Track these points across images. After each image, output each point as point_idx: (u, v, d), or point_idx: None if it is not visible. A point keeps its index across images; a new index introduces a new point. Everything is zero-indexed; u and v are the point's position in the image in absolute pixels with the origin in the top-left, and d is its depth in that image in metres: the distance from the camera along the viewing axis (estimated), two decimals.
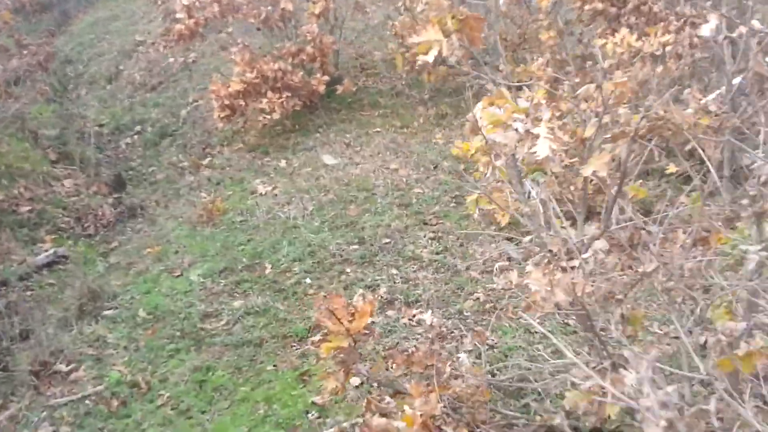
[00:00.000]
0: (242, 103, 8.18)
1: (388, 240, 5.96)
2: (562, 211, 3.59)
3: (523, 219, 3.61)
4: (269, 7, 8.72)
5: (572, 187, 3.93)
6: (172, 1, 11.24)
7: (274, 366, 4.80)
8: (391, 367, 3.93)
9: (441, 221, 6.22)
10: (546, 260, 3.20)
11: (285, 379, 4.65)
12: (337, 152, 7.77)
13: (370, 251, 5.83)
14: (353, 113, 8.69)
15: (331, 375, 3.79)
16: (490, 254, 5.54)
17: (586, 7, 7.32)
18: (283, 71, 8.18)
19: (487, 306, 5.00)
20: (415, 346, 3.86)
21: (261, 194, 7.13)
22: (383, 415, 3.48)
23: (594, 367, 3.11)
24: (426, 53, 3.34)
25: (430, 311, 4.34)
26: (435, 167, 7.25)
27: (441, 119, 8.40)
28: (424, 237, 5.98)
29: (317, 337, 3.78)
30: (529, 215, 3.36)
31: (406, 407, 3.43)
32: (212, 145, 8.91)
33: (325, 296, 3.72)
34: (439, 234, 6.00)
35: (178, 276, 6.04)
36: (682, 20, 7.07)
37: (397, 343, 4.47)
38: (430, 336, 4.07)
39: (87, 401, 4.73)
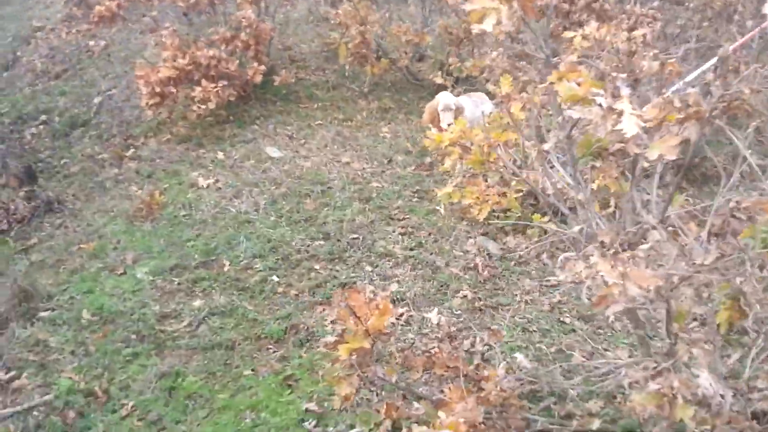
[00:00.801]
0: (173, 90, 7.64)
1: (355, 236, 5.65)
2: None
3: (563, 206, 3.40)
4: None
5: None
6: None
7: (252, 370, 4.41)
8: (405, 370, 3.65)
9: (407, 216, 5.96)
10: (610, 251, 3.00)
11: (268, 385, 4.27)
12: (281, 145, 7.37)
13: (337, 247, 5.50)
14: (290, 105, 8.29)
15: (343, 379, 3.47)
16: (478, 249, 5.34)
17: (538, 2, 7.23)
18: (218, 59, 7.70)
19: (477, 304, 4.78)
20: (437, 347, 3.56)
21: (203, 187, 6.64)
22: (422, 422, 3.19)
23: (655, 368, 2.93)
24: (480, 21, 3.08)
25: (435, 309, 4.06)
26: (389, 161, 6.99)
27: (384, 113, 8.15)
28: (393, 232, 5.70)
29: (329, 338, 3.43)
30: (583, 203, 3.14)
31: (441, 414, 3.15)
32: (135, 136, 8.27)
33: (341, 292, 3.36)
34: (409, 229, 5.74)
35: (121, 274, 5.50)
36: (633, 19, 7.10)
37: (406, 344, 4.17)
38: (438, 336, 3.81)
39: (35, 412, 4.20)
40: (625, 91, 2.67)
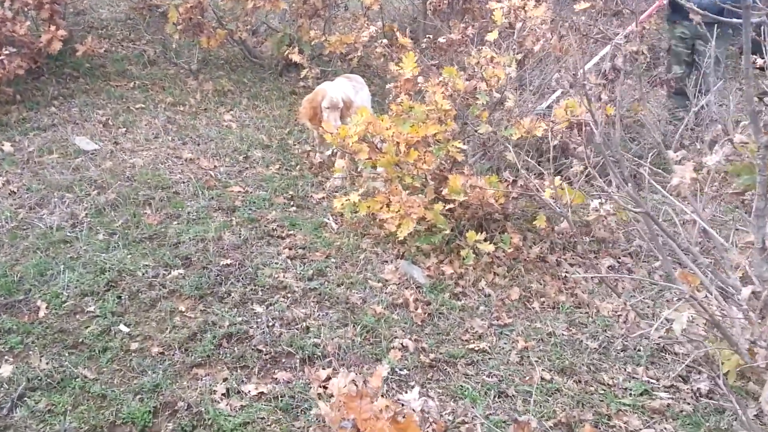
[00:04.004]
0: None
1: (227, 261, 4.17)
2: None
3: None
4: None
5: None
6: None
7: None
8: None
9: (290, 232, 4.57)
10: None
11: None
12: (94, 134, 5.61)
13: (206, 278, 4.00)
14: (98, 83, 6.49)
15: None
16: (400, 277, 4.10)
17: None
18: (1, 19, 5.80)
19: (423, 358, 3.53)
20: None
21: None
22: None
23: None
24: None
25: (415, 386, 2.76)
26: (245, 158, 5.51)
27: (222, 97, 6.61)
28: (279, 255, 4.28)
29: None
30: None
31: None
32: None
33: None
34: (298, 251, 4.35)
35: None
36: None
37: None
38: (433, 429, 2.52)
39: None
40: None
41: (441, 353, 3.58)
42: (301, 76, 6.35)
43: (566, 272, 4.36)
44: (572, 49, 4.91)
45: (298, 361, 3.45)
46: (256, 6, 6.24)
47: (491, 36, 4.74)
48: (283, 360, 3.47)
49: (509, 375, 3.46)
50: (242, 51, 7.22)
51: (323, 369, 3.36)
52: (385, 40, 5.64)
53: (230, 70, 7.13)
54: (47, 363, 3.37)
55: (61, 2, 6.36)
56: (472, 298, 4.07)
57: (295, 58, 6.12)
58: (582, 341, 3.80)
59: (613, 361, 3.67)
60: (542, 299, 4.15)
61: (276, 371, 3.40)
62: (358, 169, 4.66)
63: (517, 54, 4.70)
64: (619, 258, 4.70)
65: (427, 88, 4.39)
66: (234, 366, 3.43)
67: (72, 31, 6.88)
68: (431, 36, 5.73)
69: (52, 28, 6.08)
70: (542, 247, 4.54)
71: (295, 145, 5.82)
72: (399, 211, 4.11)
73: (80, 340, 3.54)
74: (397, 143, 4.19)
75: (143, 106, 6.21)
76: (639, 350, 3.76)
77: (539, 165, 5.08)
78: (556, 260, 4.51)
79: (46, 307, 3.74)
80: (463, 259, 4.18)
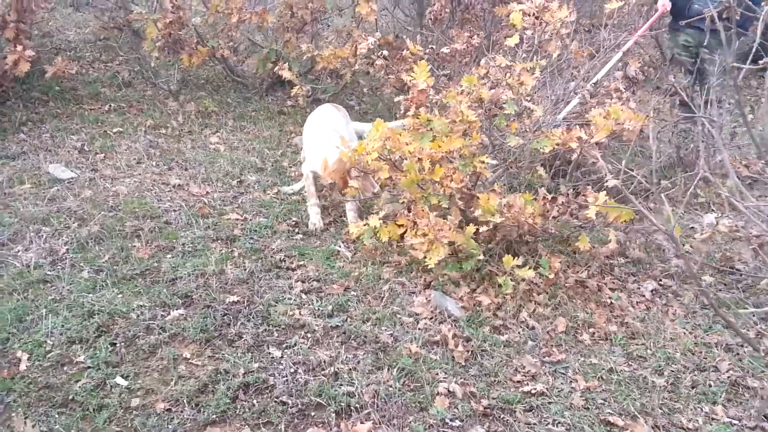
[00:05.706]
0: None
1: (234, 298, 3.67)
2: None
3: None
4: None
5: None
6: None
7: None
8: None
9: (300, 263, 4.09)
10: None
11: None
12: (70, 161, 5.09)
13: (212, 319, 3.50)
14: (70, 107, 5.98)
15: None
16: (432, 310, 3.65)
17: None
18: None
19: (475, 405, 3.06)
20: None
21: None
22: None
23: None
24: None
25: None
26: (239, 182, 5.04)
27: (206, 118, 6.13)
28: (291, 289, 3.80)
29: None
30: None
31: None
32: None
33: None
34: (312, 283, 3.88)
35: None
36: None
37: None
38: None
39: None
40: None
41: (494, 398, 3.11)
42: (291, 94, 5.91)
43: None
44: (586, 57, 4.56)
45: (332, 414, 2.95)
46: (241, 20, 5.79)
47: (511, 41, 4.35)
48: (313, 413, 2.97)
49: (577, 421, 3.01)
50: (224, 69, 6.76)
51: (362, 423, 2.90)
52: (385, 52, 5.22)
53: (212, 90, 6.66)
54: (33, 426, 2.85)
55: (27, 21, 5.84)
56: (516, 332, 3.62)
57: (286, 74, 5.67)
58: (646, 377, 3.37)
59: (686, 400, 3.25)
60: (591, 330, 3.72)
61: (306, 428, 2.90)
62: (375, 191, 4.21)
63: (541, 59, 4.31)
64: (660, 280, 4.30)
65: (446, 99, 3.96)
66: (255, 423, 2.92)
67: (39, 53, 6.36)
68: (434, 47, 5.33)
69: (18, 48, 5.57)
70: (584, 272, 4.12)
71: (291, 167, 5.36)
72: (428, 235, 3.65)
73: (70, 396, 3.01)
74: (419, 160, 3.75)
75: (121, 129, 5.70)
76: (710, 386, 3.34)
77: (553, 180, 4.71)
78: (597, 285, 4.10)
79: (28, 359, 3.22)
80: (500, 286, 3.74)
